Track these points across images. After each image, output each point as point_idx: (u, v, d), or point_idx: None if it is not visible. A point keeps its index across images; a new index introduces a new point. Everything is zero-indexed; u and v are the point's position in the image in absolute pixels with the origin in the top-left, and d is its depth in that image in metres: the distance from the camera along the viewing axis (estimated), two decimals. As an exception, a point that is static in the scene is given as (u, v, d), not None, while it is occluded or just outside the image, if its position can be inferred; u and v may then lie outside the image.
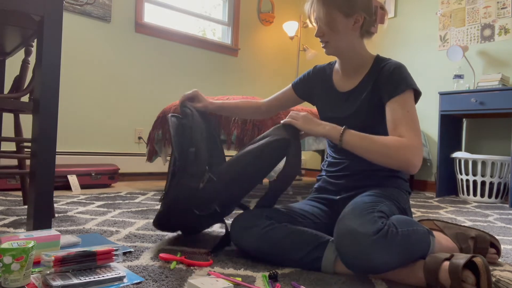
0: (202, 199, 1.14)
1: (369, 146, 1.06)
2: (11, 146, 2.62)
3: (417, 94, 1.16)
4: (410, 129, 1.06)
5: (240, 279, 0.93)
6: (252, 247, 1.08)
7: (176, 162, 1.16)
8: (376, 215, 0.94)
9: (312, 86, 1.38)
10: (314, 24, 1.23)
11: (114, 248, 0.93)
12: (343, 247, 0.92)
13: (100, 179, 2.73)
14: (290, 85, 1.43)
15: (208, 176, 1.13)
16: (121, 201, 2.10)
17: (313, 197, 1.33)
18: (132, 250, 1.15)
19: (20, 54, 2.58)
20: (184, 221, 1.21)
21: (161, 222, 1.22)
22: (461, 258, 0.88)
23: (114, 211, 1.81)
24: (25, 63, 1.79)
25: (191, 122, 1.23)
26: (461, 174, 2.97)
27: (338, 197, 1.26)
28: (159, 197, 1.27)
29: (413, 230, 0.94)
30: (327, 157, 1.36)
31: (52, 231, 1.05)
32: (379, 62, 1.22)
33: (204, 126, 1.29)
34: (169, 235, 1.37)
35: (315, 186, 1.37)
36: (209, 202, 1.15)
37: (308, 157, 4.48)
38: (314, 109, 2.51)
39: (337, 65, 1.32)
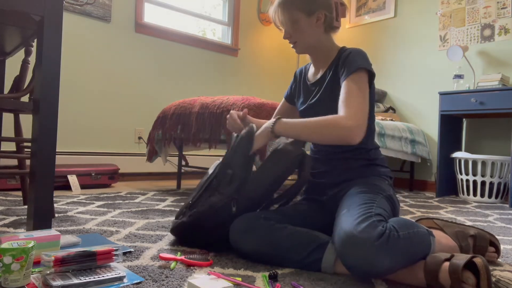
0: (230, 218, 1.17)
1: (303, 129, 1.13)
2: (11, 146, 2.62)
3: (371, 76, 1.21)
4: (351, 104, 1.10)
5: (240, 279, 0.93)
6: (252, 249, 1.07)
7: (214, 177, 1.21)
8: (375, 219, 0.94)
9: (295, 89, 1.47)
10: (281, 28, 1.31)
11: (114, 248, 0.93)
12: (345, 254, 0.91)
13: (100, 179, 2.73)
14: (284, 98, 1.52)
15: (235, 198, 1.17)
16: (121, 201, 2.10)
17: (303, 198, 1.37)
18: (132, 250, 1.15)
19: (20, 54, 2.58)
20: (211, 237, 1.21)
21: (183, 234, 1.23)
22: (461, 259, 0.88)
23: (114, 211, 1.81)
24: (25, 63, 1.78)
25: (236, 145, 1.22)
26: (461, 174, 2.97)
27: (324, 197, 1.30)
28: (184, 205, 1.27)
29: (413, 232, 0.94)
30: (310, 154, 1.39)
31: (52, 231, 1.05)
32: (341, 52, 1.28)
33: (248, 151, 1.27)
34: (169, 235, 1.37)
35: (303, 189, 1.40)
36: (230, 222, 1.17)
37: (308, 157, 4.48)
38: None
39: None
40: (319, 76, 1.33)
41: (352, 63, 1.18)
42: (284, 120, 1.17)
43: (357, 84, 1.14)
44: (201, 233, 1.20)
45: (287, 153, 1.19)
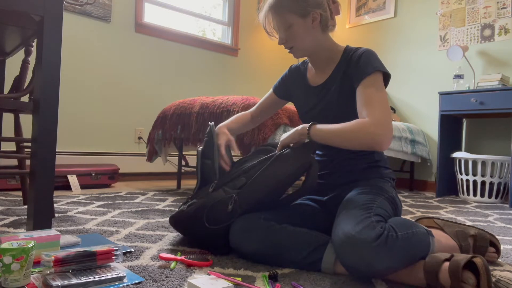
0: (222, 218, 1.14)
1: (334, 135, 1.09)
2: (11, 146, 2.62)
3: (386, 77, 1.18)
4: (375, 108, 1.08)
5: (240, 279, 0.93)
6: (252, 250, 1.07)
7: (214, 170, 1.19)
8: (374, 220, 0.94)
9: (289, 85, 1.41)
10: (271, 35, 1.25)
11: (114, 248, 0.93)
12: (344, 255, 0.91)
13: (100, 179, 2.73)
14: (272, 89, 1.47)
15: (234, 198, 1.14)
16: (121, 201, 2.10)
17: (304, 198, 1.36)
18: (132, 250, 1.15)
19: (20, 54, 2.58)
20: (192, 230, 1.20)
21: (181, 223, 1.22)
22: (461, 259, 0.87)
23: (114, 211, 1.81)
24: (25, 63, 1.78)
25: (264, 160, 1.20)
26: (461, 174, 2.97)
27: (325, 198, 1.29)
28: (188, 196, 1.26)
29: (412, 233, 0.94)
30: None
31: (52, 231, 1.05)
32: (348, 52, 1.23)
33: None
34: (169, 235, 1.37)
35: None
36: (224, 221, 1.15)
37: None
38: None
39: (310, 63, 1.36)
40: (324, 79, 1.27)
41: (367, 65, 1.14)
42: (318, 126, 1.13)
43: (377, 87, 1.11)
44: (196, 225, 1.17)
45: (293, 158, 1.15)
